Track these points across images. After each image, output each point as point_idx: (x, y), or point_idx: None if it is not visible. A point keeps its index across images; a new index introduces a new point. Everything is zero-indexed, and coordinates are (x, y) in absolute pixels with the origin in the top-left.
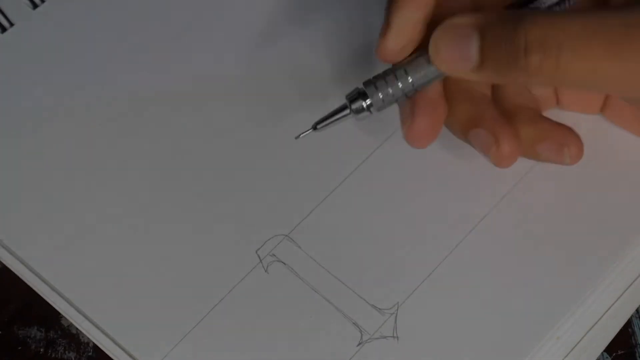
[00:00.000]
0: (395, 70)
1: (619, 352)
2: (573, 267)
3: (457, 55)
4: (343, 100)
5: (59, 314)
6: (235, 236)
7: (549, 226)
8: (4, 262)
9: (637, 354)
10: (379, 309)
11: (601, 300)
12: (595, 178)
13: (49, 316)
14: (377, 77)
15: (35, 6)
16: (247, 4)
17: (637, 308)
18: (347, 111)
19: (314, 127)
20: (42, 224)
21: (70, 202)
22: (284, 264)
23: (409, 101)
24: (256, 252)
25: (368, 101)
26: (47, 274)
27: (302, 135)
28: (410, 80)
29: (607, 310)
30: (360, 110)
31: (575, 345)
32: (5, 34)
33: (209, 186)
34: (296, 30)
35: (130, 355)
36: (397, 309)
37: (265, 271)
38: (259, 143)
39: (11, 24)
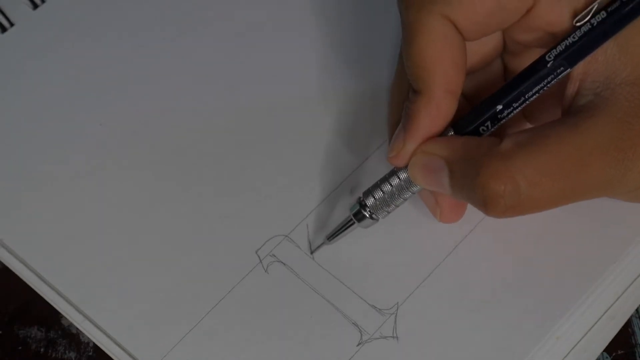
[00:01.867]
0: (390, 178)
1: (619, 352)
2: (573, 267)
3: (432, 183)
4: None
5: (59, 313)
6: (235, 236)
7: (549, 226)
8: (4, 262)
9: (637, 354)
10: (379, 309)
11: (601, 300)
12: None
13: (49, 316)
14: (374, 187)
15: (35, 6)
16: (250, 5)
17: (637, 308)
18: (355, 224)
19: (329, 239)
20: (42, 224)
21: (71, 202)
22: (284, 264)
23: (431, 195)
24: (256, 252)
25: (370, 212)
26: (47, 274)
27: (316, 251)
28: (406, 187)
29: (607, 310)
30: (364, 219)
31: (575, 345)
32: (6, 34)
33: (209, 186)
34: (297, 33)
35: (130, 355)
36: (397, 309)
37: (265, 271)
38: (259, 143)
39: (11, 24)
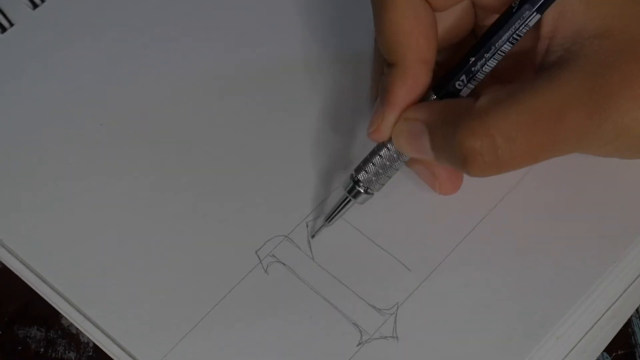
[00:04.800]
0: (379, 150)
1: (619, 352)
2: (573, 267)
3: (416, 149)
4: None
5: (59, 313)
6: (235, 237)
7: (548, 226)
8: (4, 262)
9: (637, 354)
10: (379, 309)
11: (601, 300)
12: (595, 178)
13: (49, 316)
14: (365, 162)
15: (35, 6)
16: (250, 3)
17: (637, 308)
18: (351, 202)
19: (327, 221)
20: (42, 224)
21: (71, 202)
22: (284, 264)
23: (427, 170)
24: (256, 252)
25: (364, 186)
26: (47, 274)
27: (316, 234)
28: (396, 156)
29: (607, 310)
30: (359, 194)
31: (575, 345)
32: (5, 34)
33: (210, 187)
34: (300, 31)
35: (130, 355)
36: (397, 309)
37: (265, 272)
38: (260, 144)
39: (11, 24)
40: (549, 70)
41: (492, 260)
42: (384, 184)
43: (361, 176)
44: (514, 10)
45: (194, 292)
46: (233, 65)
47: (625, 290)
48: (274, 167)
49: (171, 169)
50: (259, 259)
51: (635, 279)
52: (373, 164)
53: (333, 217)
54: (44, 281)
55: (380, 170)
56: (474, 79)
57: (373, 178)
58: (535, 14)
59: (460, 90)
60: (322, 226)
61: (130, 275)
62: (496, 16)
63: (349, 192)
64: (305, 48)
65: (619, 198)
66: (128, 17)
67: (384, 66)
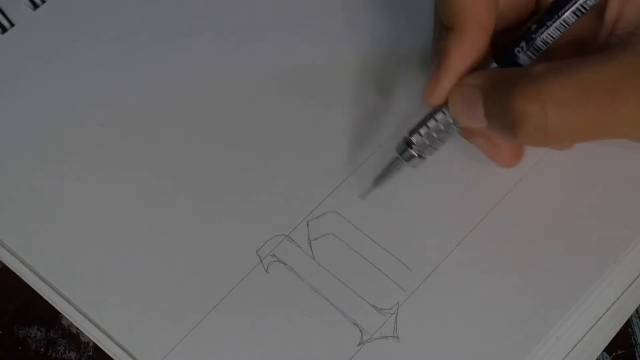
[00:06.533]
0: (435, 114)
1: (619, 352)
2: (573, 267)
3: (470, 117)
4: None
5: (59, 313)
6: (236, 236)
7: (549, 226)
8: (4, 262)
9: (637, 354)
10: (379, 309)
11: (601, 300)
12: (596, 178)
13: (49, 316)
14: (419, 125)
15: (35, 6)
16: (251, 3)
17: (637, 308)
18: (403, 164)
19: (375, 184)
20: (42, 223)
21: (71, 202)
22: (284, 264)
23: (486, 141)
24: (256, 252)
25: (417, 149)
26: (47, 274)
27: (366, 195)
28: (451, 122)
29: (607, 310)
30: (412, 157)
31: (575, 345)
32: (6, 34)
33: (210, 186)
34: (301, 28)
35: (130, 355)
36: (398, 309)
37: (266, 271)
38: (260, 143)
39: (12, 24)
40: (612, 48)
41: (492, 260)
42: (436, 149)
43: (415, 138)
44: None
45: (195, 292)
46: (232, 65)
47: (625, 290)
48: (274, 166)
49: (171, 168)
50: (260, 258)
51: (635, 279)
52: (427, 127)
53: (382, 179)
54: (44, 281)
55: (435, 134)
56: (534, 48)
57: (426, 141)
58: None
59: (519, 56)
60: (370, 188)
61: (130, 275)
62: None
63: (401, 154)
64: (314, 54)
65: (619, 198)
66: (128, 17)
67: (442, 30)
